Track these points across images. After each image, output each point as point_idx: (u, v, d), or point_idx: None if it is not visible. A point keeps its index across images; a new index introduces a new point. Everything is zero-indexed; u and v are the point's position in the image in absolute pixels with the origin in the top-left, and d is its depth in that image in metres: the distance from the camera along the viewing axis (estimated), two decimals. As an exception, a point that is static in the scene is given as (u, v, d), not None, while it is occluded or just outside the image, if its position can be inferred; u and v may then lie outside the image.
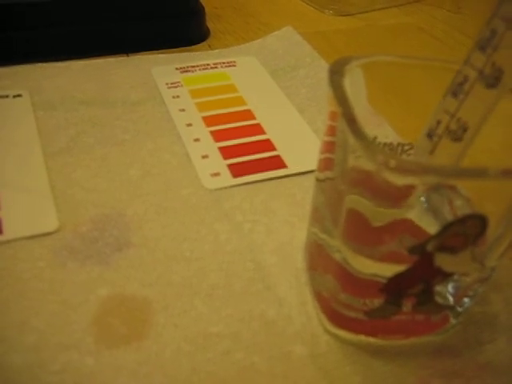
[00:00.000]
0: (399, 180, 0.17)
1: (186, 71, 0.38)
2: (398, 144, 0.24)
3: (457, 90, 0.19)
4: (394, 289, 0.20)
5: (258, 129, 0.33)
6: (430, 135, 0.20)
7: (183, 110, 0.34)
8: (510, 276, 0.25)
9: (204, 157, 0.31)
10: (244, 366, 0.21)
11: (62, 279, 0.24)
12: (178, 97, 0.35)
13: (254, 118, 0.34)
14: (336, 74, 0.20)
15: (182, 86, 0.36)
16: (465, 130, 0.19)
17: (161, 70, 0.38)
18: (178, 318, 0.23)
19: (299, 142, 0.32)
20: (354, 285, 0.21)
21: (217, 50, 0.41)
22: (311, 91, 0.37)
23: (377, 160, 0.16)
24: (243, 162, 0.30)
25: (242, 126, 0.33)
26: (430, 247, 0.18)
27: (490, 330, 0.23)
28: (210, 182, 0.29)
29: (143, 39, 0.41)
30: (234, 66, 0.39)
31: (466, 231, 0.18)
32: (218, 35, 0.44)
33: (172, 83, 0.37)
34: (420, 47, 0.46)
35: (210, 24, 0.45)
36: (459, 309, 0.22)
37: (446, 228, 0.18)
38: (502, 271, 0.25)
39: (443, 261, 0.19)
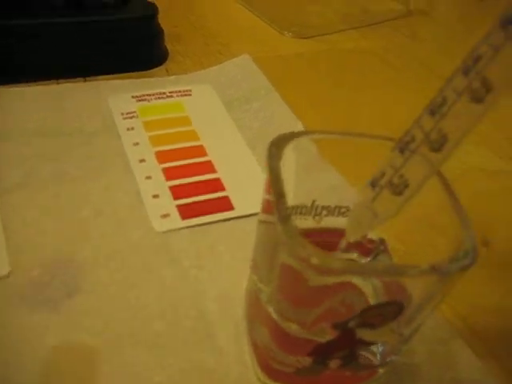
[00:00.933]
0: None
1: (142, 100, 0.39)
2: (336, 207, 0.26)
3: (403, 147, 0.20)
4: (320, 354, 0.22)
5: (208, 167, 0.34)
6: (373, 184, 0.22)
7: (137, 144, 0.35)
8: (434, 328, 0.27)
9: (155, 196, 0.32)
10: (182, 418, 0.23)
11: (11, 326, 0.25)
12: (132, 129, 0.36)
13: (205, 155, 0.35)
14: (273, 157, 0.21)
15: (136, 116, 0.37)
16: (406, 186, 0.21)
17: (117, 99, 0.39)
18: (123, 367, 0.24)
19: (248, 181, 0.34)
20: (286, 342, 0.23)
21: (173, 77, 0.42)
22: (263, 126, 0.38)
23: (299, 256, 0.18)
24: (192, 203, 0.32)
25: (194, 164, 0.34)
26: (351, 324, 0.20)
27: (412, 381, 0.25)
28: (160, 224, 0.30)
29: (101, 62, 0.41)
30: (190, 95, 0.40)
31: (384, 313, 0.20)
32: (176, 58, 0.45)
33: (127, 113, 0.37)
34: (375, 74, 0.48)
35: (169, 45, 0.46)
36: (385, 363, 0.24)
37: (365, 311, 0.20)
38: (428, 322, 0.27)
39: (364, 334, 0.21)
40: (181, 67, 0.44)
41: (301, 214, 0.26)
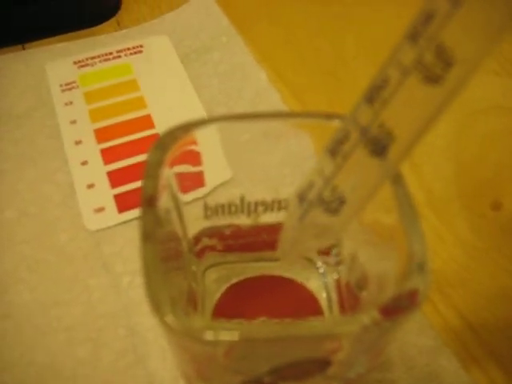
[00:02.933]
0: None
1: (85, 65, 0.34)
2: (273, 201, 0.21)
3: (335, 148, 0.14)
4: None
5: (155, 142, 0.29)
6: (300, 198, 0.16)
7: (74, 122, 0.30)
8: (415, 333, 0.22)
9: (90, 186, 0.28)
10: None
11: None
12: (71, 103, 0.31)
13: (152, 127, 0.30)
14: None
15: (77, 87, 0.32)
16: (342, 202, 0.15)
17: (56, 67, 0.34)
18: (35, 409, 0.21)
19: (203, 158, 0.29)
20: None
21: (125, 31, 0.36)
22: (223, 81, 0.32)
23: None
24: (132, 191, 0.27)
25: (137, 140, 0.29)
26: (266, 380, 0.16)
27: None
28: (92, 221, 0.26)
29: (41, 23, 0.36)
30: (141, 52, 0.34)
31: (304, 370, 0.15)
32: (130, 6, 0.39)
33: (66, 84, 0.32)
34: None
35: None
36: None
37: (278, 369, 0.15)
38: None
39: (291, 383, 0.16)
40: (135, 17, 0.38)
41: (230, 213, 0.21)
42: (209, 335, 0.13)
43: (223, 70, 0.33)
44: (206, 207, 0.20)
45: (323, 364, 0.15)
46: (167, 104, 0.31)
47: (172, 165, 0.18)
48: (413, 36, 0.12)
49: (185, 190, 0.20)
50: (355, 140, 0.14)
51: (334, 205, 0.15)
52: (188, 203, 0.20)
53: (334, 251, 0.22)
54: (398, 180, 0.17)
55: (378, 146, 0.13)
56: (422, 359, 0.22)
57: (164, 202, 0.18)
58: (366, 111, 0.13)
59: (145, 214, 0.16)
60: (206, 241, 0.22)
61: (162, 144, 0.17)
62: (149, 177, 0.17)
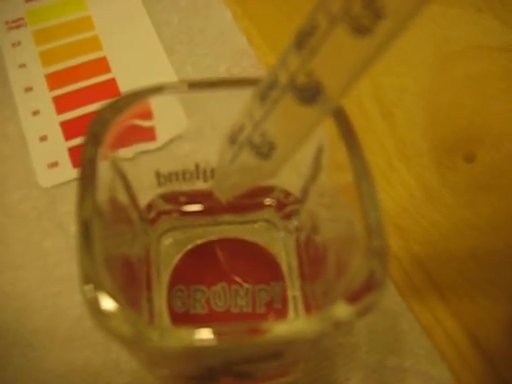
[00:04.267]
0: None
1: (33, -1, 0.31)
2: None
3: (265, 92, 0.13)
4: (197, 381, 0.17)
5: (111, 88, 0.27)
6: (231, 140, 0.15)
7: (24, 66, 0.28)
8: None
9: (42, 138, 0.26)
10: None
11: None
12: (19, 44, 0.29)
13: (108, 71, 0.28)
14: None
15: (25, 25, 0.30)
16: (271, 148, 0.14)
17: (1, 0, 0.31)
18: (-9, 378, 0.20)
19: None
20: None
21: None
22: (185, 19, 0.30)
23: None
24: (87, 144, 0.26)
25: (92, 86, 0.27)
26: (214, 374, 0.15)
27: (346, 367, 0.21)
28: (46, 177, 0.25)
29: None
30: (96, -17, 0.31)
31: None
32: None
33: (13, 21, 0.30)
34: None
35: None
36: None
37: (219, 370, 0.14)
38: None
39: (240, 368, 0.16)
40: None
41: (184, 180, 0.19)
42: (154, 343, 0.12)
43: (184, 6, 0.30)
44: (158, 175, 0.19)
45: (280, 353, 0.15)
46: (124, 44, 0.29)
47: (114, 144, 0.16)
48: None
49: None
50: (284, 86, 0.13)
51: (264, 149, 0.14)
52: (138, 173, 0.18)
53: (295, 217, 0.21)
54: (353, 145, 0.16)
55: (307, 94, 0.12)
56: (384, 323, 0.21)
57: (106, 175, 0.16)
58: (295, 57, 0.12)
59: (82, 200, 0.15)
60: (160, 205, 0.20)
61: (101, 120, 0.15)
62: (85, 163, 0.15)
